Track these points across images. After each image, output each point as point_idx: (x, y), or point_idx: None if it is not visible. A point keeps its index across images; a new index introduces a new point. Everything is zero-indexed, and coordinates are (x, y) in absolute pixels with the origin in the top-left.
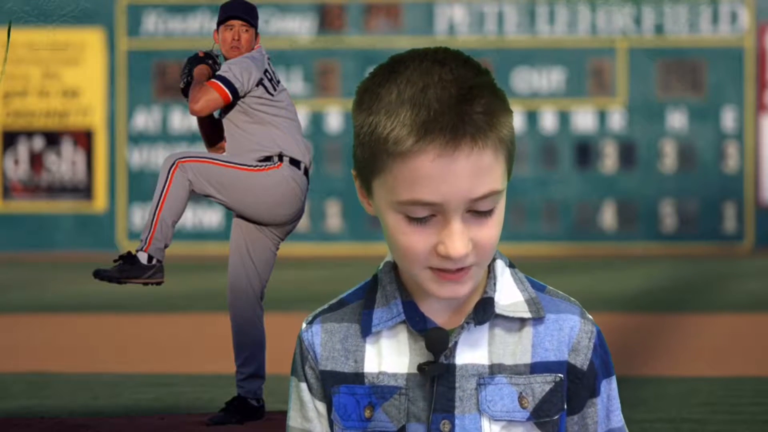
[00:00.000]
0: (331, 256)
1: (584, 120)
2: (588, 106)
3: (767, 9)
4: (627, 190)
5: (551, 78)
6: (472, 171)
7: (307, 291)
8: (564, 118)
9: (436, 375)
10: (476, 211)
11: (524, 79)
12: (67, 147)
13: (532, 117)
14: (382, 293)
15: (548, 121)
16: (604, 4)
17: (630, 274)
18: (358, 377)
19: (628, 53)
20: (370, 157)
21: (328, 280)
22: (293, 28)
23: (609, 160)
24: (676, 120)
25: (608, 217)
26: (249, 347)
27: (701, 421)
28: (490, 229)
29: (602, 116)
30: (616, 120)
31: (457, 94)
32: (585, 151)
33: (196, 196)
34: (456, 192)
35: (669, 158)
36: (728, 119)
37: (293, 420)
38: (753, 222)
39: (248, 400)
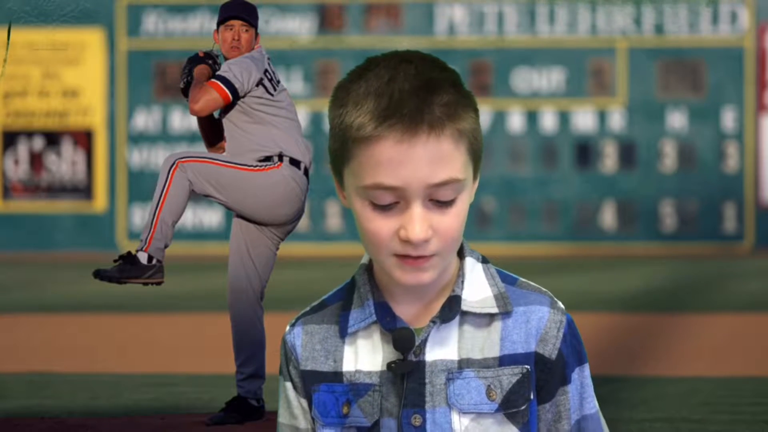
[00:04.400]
0: (331, 256)
1: (584, 120)
2: (588, 106)
3: (767, 9)
4: (627, 190)
5: (551, 78)
6: (431, 157)
7: (307, 291)
8: (564, 118)
9: (407, 372)
10: (438, 201)
11: (524, 79)
12: (67, 147)
13: (532, 117)
14: (357, 294)
15: (548, 121)
16: (604, 4)
17: (630, 274)
18: (337, 376)
19: (628, 53)
20: (339, 147)
21: (328, 280)
22: (293, 28)
23: (609, 160)
24: (676, 120)
25: (608, 217)
26: (249, 347)
27: (701, 421)
28: (451, 219)
29: (602, 116)
30: (616, 120)
31: (418, 85)
32: (585, 151)
33: (196, 196)
34: (415, 176)
35: (669, 158)
36: (728, 119)
37: (282, 417)
38: (753, 222)
39: (248, 400)
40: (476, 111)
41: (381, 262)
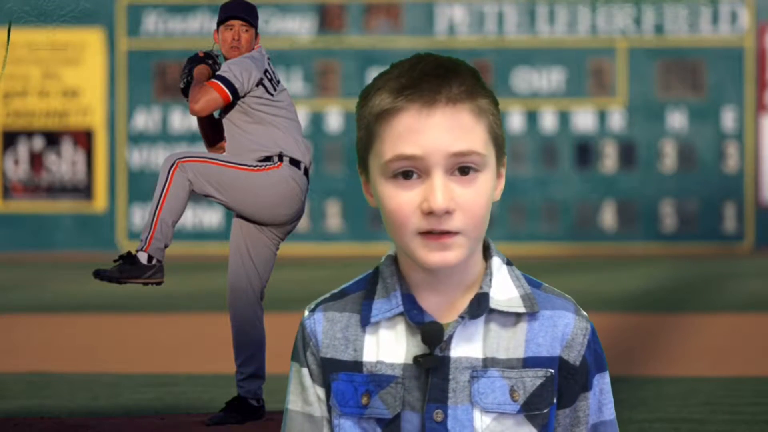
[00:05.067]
0: (331, 256)
1: (584, 120)
2: (588, 106)
3: (767, 9)
4: (627, 190)
5: (551, 78)
6: (450, 126)
7: (307, 291)
8: (564, 118)
9: (431, 367)
10: (461, 173)
11: (524, 79)
12: (67, 147)
13: (532, 117)
14: (382, 285)
15: (548, 121)
16: (605, 4)
17: (630, 274)
18: (357, 365)
19: (628, 53)
20: (365, 134)
21: (328, 280)
22: (293, 28)
23: (609, 160)
24: (676, 120)
25: (608, 217)
26: (249, 347)
27: (701, 421)
28: (474, 194)
29: (602, 116)
30: (616, 120)
31: (438, 67)
32: (585, 151)
33: (196, 196)
34: (435, 144)
35: (669, 158)
36: (728, 119)
37: (293, 403)
38: (753, 222)
39: (248, 400)
40: (495, 102)
41: (405, 243)
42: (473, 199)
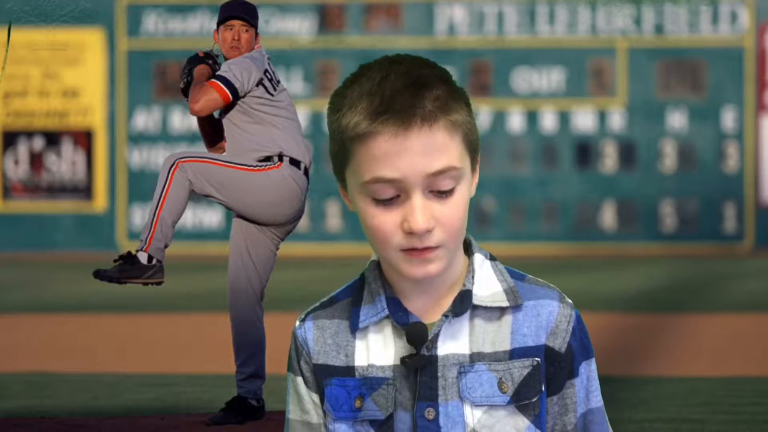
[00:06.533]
0: (331, 256)
1: (584, 120)
2: (588, 106)
3: (767, 9)
4: (627, 190)
5: (551, 78)
6: (426, 147)
7: (307, 291)
8: (564, 118)
9: (419, 366)
10: (438, 192)
11: (524, 79)
12: (67, 147)
13: (532, 117)
14: (368, 290)
15: (548, 121)
16: (605, 4)
17: (630, 274)
18: (349, 370)
19: (628, 53)
20: (339, 149)
21: (328, 280)
22: (293, 28)
23: (609, 160)
24: (676, 120)
25: (608, 217)
26: (249, 347)
27: (701, 421)
28: (452, 209)
29: (602, 116)
30: (616, 120)
31: (409, 83)
32: (585, 151)
33: (196, 196)
34: (412, 167)
35: (669, 158)
36: (728, 119)
37: (293, 413)
38: (753, 222)
39: (248, 400)
40: (468, 105)
41: (388, 258)
42: (451, 213)
